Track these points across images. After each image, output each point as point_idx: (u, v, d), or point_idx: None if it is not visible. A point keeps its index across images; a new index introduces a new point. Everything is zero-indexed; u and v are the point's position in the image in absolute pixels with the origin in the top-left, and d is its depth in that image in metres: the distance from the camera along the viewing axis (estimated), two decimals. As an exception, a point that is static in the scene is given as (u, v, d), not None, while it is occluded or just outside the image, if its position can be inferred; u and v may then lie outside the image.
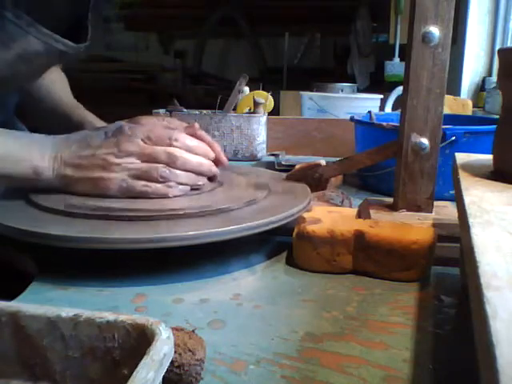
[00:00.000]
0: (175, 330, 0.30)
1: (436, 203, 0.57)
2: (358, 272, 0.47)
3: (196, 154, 0.56)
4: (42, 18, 0.55)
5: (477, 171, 0.43)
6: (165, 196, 0.54)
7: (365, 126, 0.83)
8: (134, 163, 0.53)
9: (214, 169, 0.58)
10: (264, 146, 1.06)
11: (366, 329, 0.38)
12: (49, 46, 0.58)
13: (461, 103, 1.29)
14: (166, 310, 0.40)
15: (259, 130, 1.03)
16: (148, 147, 0.53)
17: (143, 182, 0.53)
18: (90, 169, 0.53)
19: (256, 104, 1.03)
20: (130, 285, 0.44)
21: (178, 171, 0.54)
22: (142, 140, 0.53)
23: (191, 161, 0.55)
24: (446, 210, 0.58)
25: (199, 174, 0.56)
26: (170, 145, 0.54)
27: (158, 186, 0.54)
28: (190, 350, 0.29)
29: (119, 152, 0.53)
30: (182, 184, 0.55)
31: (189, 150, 0.55)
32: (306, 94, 1.75)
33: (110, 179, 0.53)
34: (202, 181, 0.57)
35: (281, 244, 0.54)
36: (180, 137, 0.55)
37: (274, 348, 0.35)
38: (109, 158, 0.52)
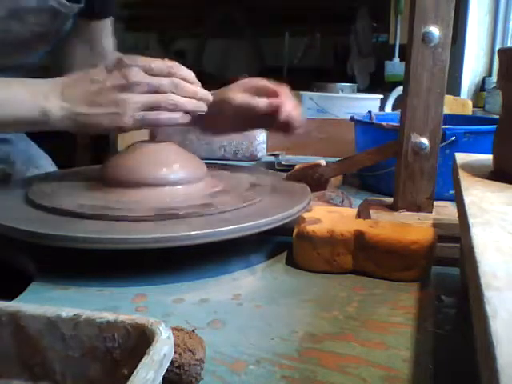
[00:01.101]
0: (175, 329, 0.30)
1: (436, 203, 0.57)
2: (358, 272, 0.47)
3: (190, 82, 0.58)
4: None
5: (477, 171, 0.43)
6: (175, 123, 0.57)
7: (365, 126, 0.83)
8: (143, 95, 0.54)
9: (209, 96, 0.60)
10: (264, 146, 1.06)
11: (365, 329, 0.38)
12: (42, 1, 0.56)
13: (461, 103, 1.29)
14: (166, 310, 0.40)
15: (259, 129, 1.03)
16: (153, 77, 0.55)
17: (155, 112, 0.55)
18: (103, 105, 0.53)
19: (256, 104, 1.03)
20: (130, 285, 0.44)
21: (182, 98, 0.56)
22: (144, 71, 0.54)
23: (190, 88, 0.57)
24: (446, 210, 0.58)
25: (199, 99, 0.58)
26: (169, 74, 0.55)
27: (168, 114, 0.55)
28: (189, 350, 0.29)
29: (127, 83, 0.53)
30: (187, 111, 0.57)
31: (184, 79, 0.57)
32: (305, 94, 1.75)
33: (126, 113, 0.53)
34: (204, 107, 0.59)
35: (281, 244, 0.54)
36: (175, 66, 0.57)
37: (274, 348, 0.35)
38: (118, 91, 0.53)
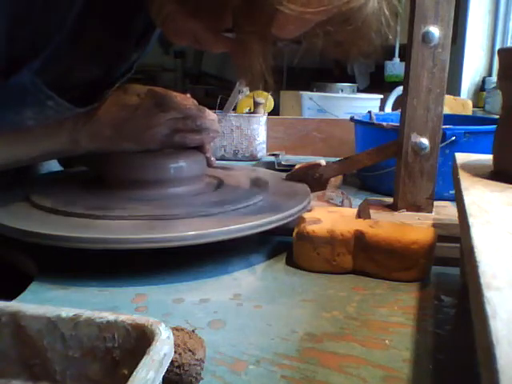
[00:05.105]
0: (175, 329, 0.30)
1: (436, 203, 0.57)
2: (358, 272, 0.47)
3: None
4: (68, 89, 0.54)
5: (477, 171, 0.43)
6: (200, 143, 0.60)
7: (365, 126, 0.83)
8: (172, 118, 0.57)
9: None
10: (264, 146, 1.06)
11: (366, 329, 0.38)
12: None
13: (461, 103, 1.29)
14: (166, 310, 0.40)
15: (259, 130, 1.03)
16: (182, 104, 0.59)
17: (181, 134, 0.58)
18: (133, 125, 0.56)
19: (256, 104, 1.03)
20: (130, 285, 0.44)
21: (206, 121, 0.60)
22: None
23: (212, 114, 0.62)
24: (445, 210, 0.58)
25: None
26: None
27: (194, 135, 0.59)
28: (190, 350, 0.29)
29: (160, 107, 0.57)
30: (211, 132, 0.61)
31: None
32: (305, 94, 1.75)
33: (154, 133, 0.57)
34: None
35: (281, 244, 0.54)
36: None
37: (274, 348, 0.35)
38: (150, 114, 0.57)
